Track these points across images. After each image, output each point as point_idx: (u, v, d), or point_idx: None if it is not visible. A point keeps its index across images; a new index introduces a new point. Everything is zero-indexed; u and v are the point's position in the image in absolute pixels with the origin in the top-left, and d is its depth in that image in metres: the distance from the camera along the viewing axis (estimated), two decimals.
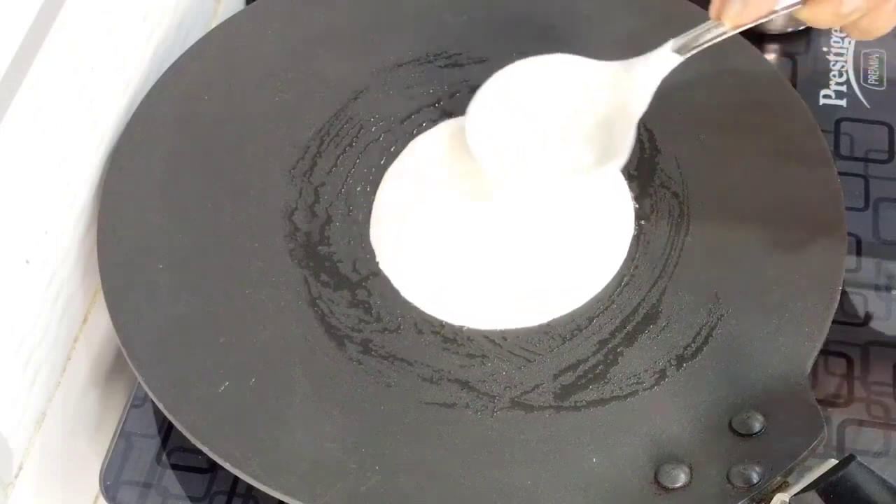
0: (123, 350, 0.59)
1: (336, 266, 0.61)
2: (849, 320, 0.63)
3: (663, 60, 0.58)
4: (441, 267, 0.61)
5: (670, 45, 0.58)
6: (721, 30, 0.56)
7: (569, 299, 0.60)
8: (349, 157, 0.65)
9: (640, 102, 0.59)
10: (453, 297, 0.60)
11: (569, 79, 0.61)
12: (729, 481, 0.52)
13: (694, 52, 0.57)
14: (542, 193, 0.62)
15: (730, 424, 0.55)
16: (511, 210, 0.62)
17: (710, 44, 0.57)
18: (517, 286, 0.60)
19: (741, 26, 0.55)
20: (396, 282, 0.61)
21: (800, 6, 0.53)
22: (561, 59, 0.62)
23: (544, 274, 0.60)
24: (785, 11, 0.54)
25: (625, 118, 0.59)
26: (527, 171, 0.61)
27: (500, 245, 0.61)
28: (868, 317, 0.64)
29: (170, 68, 0.68)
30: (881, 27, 0.54)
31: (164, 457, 0.61)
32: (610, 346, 0.58)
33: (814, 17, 0.53)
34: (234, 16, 0.71)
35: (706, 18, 0.69)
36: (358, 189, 0.64)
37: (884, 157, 0.69)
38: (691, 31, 0.57)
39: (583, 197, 0.63)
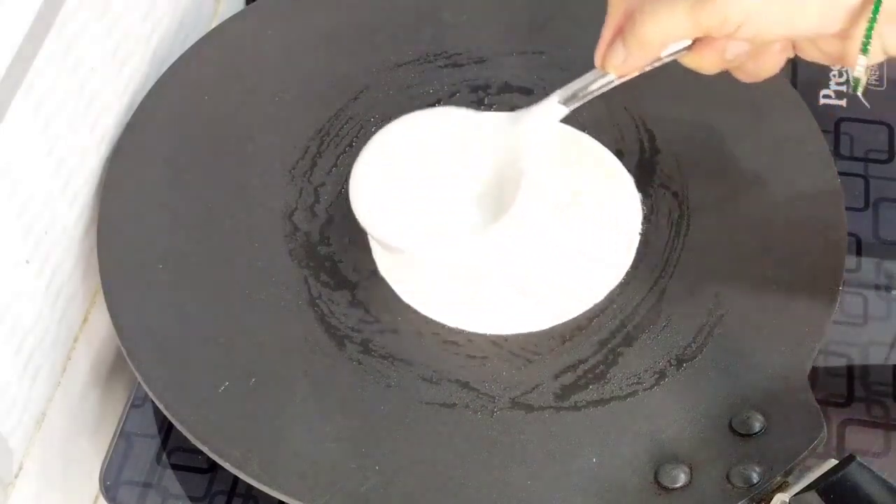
0: (123, 350, 0.59)
1: (336, 266, 0.61)
2: (849, 320, 0.63)
3: (549, 112, 0.57)
4: (439, 270, 0.61)
5: (556, 96, 0.57)
6: (608, 79, 0.55)
7: (571, 305, 0.60)
8: (349, 157, 0.65)
9: (528, 156, 0.58)
10: (452, 302, 0.60)
11: (455, 133, 0.60)
12: (729, 481, 0.52)
13: (581, 102, 0.56)
14: (436, 256, 0.60)
15: (730, 424, 0.55)
16: (511, 212, 0.62)
17: (598, 93, 0.56)
18: (518, 291, 0.60)
19: (626, 76, 0.54)
20: (396, 285, 0.60)
21: (685, 53, 0.53)
22: (447, 113, 0.60)
23: (547, 278, 0.60)
24: (669, 59, 0.54)
25: (514, 172, 0.58)
26: (413, 237, 0.59)
27: (501, 248, 0.61)
28: (868, 317, 0.64)
29: (170, 68, 0.68)
30: (768, 70, 0.55)
31: (164, 457, 0.61)
32: (610, 346, 0.58)
33: (698, 63, 0.54)
34: (234, 16, 0.71)
35: None
36: None
37: (884, 157, 0.69)
38: (577, 80, 0.56)
39: (589, 201, 0.63)
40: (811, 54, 0.54)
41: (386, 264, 0.61)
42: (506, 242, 0.61)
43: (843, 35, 0.50)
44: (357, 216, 0.58)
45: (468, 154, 0.59)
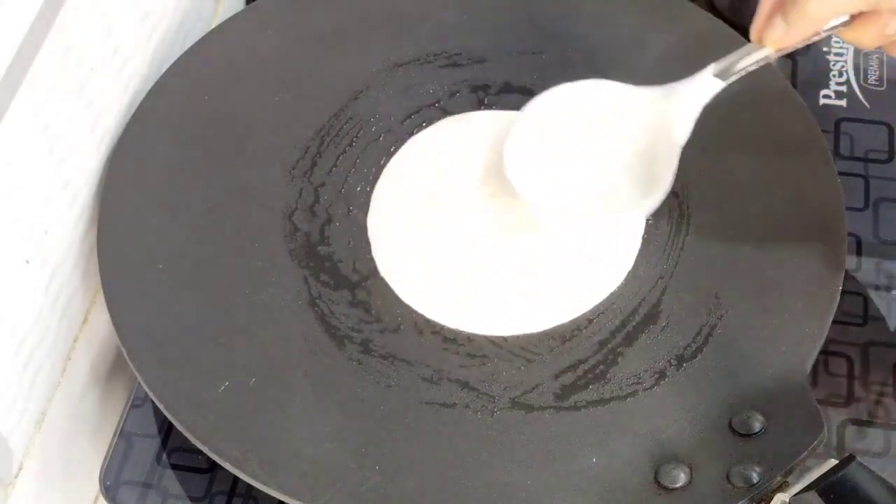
0: (123, 350, 0.59)
1: (336, 266, 0.61)
2: (849, 320, 0.63)
3: (705, 86, 0.57)
4: (440, 270, 0.61)
5: (711, 69, 0.57)
6: (763, 53, 0.55)
7: (571, 305, 0.59)
8: (349, 157, 0.65)
9: (682, 130, 0.58)
10: (452, 302, 0.60)
11: (608, 106, 0.60)
12: (729, 481, 0.52)
13: (736, 76, 0.56)
14: (585, 225, 0.61)
15: (730, 424, 0.55)
16: (512, 213, 0.62)
17: (753, 68, 0.55)
18: (518, 291, 0.60)
19: (785, 50, 0.54)
20: (395, 285, 0.60)
21: (842, 28, 0.53)
22: (600, 86, 0.61)
23: (547, 279, 0.60)
24: (828, 33, 0.53)
25: (667, 146, 0.58)
26: (569, 205, 0.60)
27: (502, 249, 0.61)
28: (868, 317, 0.64)
29: (170, 68, 0.68)
30: None
31: (164, 457, 0.61)
32: (610, 346, 0.58)
33: (858, 38, 0.53)
34: (234, 16, 0.71)
35: (708, 18, 0.70)
36: (358, 189, 0.64)
37: (884, 157, 0.69)
38: (733, 54, 0.56)
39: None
40: None
41: (386, 264, 0.61)
42: (507, 242, 0.61)
43: None
44: (512, 182, 0.60)
45: (621, 127, 0.60)
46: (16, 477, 0.60)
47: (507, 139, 0.61)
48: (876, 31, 0.52)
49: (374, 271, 0.61)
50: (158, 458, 0.61)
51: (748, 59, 0.55)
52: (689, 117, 0.58)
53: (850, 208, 0.64)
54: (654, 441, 0.55)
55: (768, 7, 0.53)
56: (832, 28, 0.53)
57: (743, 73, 0.56)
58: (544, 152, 0.61)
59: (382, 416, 0.56)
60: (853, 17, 0.52)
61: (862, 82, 0.72)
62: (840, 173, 0.63)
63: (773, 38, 0.53)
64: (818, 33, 0.53)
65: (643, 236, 0.62)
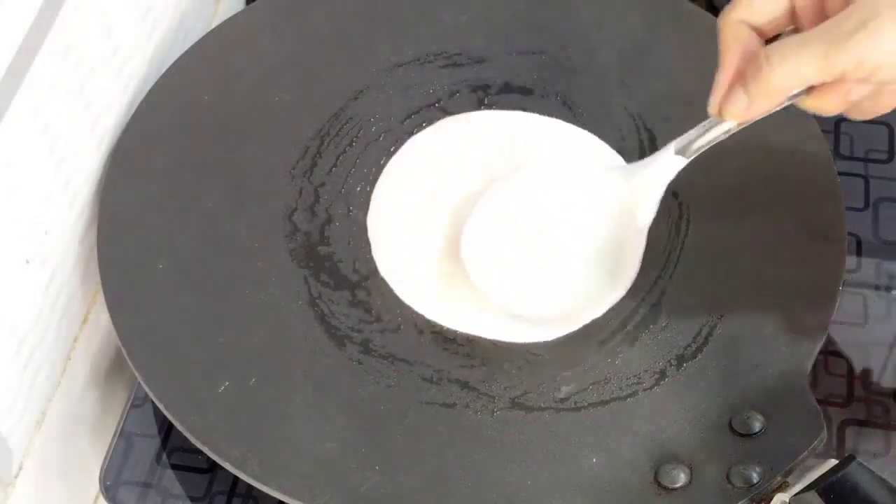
0: (123, 350, 0.59)
1: (336, 266, 0.61)
2: (849, 320, 0.63)
3: (667, 165, 0.56)
4: (439, 271, 0.61)
5: (672, 147, 0.56)
6: (725, 127, 0.53)
7: (572, 317, 0.59)
8: (349, 157, 0.65)
9: (646, 212, 0.58)
10: (452, 303, 0.60)
11: (569, 191, 0.60)
12: (729, 481, 0.52)
13: (698, 153, 0.55)
14: (550, 316, 0.59)
15: (730, 424, 0.55)
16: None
17: (715, 142, 0.54)
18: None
19: (747, 122, 0.53)
20: (395, 285, 0.60)
21: (804, 96, 0.51)
22: (560, 170, 0.60)
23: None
24: (790, 102, 0.52)
25: (632, 229, 0.58)
26: (530, 298, 0.59)
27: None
28: (868, 317, 0.64)
29: (170, 68, 0.68)
30: (883, 108, 0.53)
31: (164, 457, 0.61)
32: (610, 346, 0.58)
33: (821, 106, 0.51)
34: (234, 16, 0.71)
35: (708, 18, 0.70)
36: (358, 189, 0.64)
37: (884, 157, 0.69)
38: (693, 130, 0.55)
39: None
40: None
41: (386, 264, 0.61)
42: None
43: None
44: (473, 278, 0.58)
45: (584, 211, 0.59)
46: (16, 477, 0.60)
47: (465, 229, 0.60)
48: (839, 98, 0.51)
49: (374, 271, 0.61)
50: (158, 458, 0.61)
51: (710, 135, 0.54)
52: (652, 198, 0.57)
53: (850, 208, 0.64)
54: (654, 441, 0.55)
55: (727, 78, 0.51)
56: (794, 97, 0.51)
57: (706, 148, 0.55)
58: (505, 242, 0.60)
59: (382, 416, 0.56)
60: (814, 86, 0.51)
61: None
62: (840, 173, 0.63)
63: (734, 112, 0.51)
64: (781, 104, 0.51)
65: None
